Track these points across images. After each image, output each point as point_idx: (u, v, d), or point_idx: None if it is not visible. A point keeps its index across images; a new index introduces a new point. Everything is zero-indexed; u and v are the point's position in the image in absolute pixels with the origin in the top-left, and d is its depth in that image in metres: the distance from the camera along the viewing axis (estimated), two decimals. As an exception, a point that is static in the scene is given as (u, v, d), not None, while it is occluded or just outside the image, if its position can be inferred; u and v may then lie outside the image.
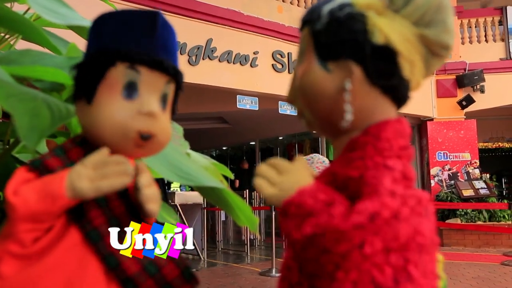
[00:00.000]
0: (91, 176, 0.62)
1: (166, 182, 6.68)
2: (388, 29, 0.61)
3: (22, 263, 0.63)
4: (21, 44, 0.98)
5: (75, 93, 0.67)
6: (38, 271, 0.63)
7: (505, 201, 8.45)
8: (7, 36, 1.02)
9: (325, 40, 0.64)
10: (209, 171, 0.98)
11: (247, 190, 7.56)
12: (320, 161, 3.13)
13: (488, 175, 8.79)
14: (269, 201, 0.63)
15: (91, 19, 0.70)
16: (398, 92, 0.64)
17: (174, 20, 5.48)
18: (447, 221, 7.66)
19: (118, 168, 0.63)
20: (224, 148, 12.75)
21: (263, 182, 0.63)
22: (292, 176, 0.63)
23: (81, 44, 0.85)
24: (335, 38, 0.63)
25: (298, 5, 7.34)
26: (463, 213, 7.65)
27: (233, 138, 11.07)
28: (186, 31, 5.83)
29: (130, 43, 0.67)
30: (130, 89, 0.66)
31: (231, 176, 1.19)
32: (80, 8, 1.34)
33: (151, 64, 0.67)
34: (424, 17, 0.62)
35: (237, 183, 9.83)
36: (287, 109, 6.78)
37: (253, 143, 11.24)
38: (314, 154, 3.06)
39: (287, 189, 0.61)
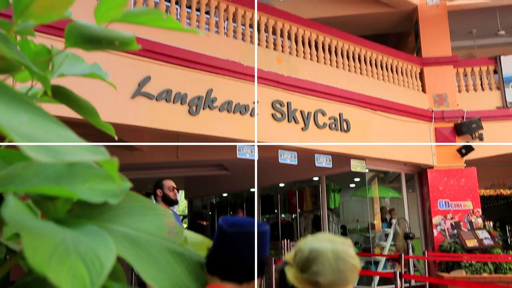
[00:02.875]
0: None
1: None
2: (291, 276, 1.20)
3: None
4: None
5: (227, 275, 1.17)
6: None
7: (511, 251, 8.27)
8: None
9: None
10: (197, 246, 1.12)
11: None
12: None
13: (491, 222, 8.64)
14: None
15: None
16: None
17: (175, 71, 5.54)
18: (451, 273, 7.46)
19: None
20: (224, 195, 12.65)
21: None
22: None
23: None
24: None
25: (296, 55, 7.49)
26: (467, 264, 7.46)
27: (233, 185, 11.01)
28: (187, 81, 5.93)
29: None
30: None
31: None
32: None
33: None
34: (303, 267, 1.17)
35: None
36: (287, 158, 6.78)
37: (253, 190, 11.16)
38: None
39: None
